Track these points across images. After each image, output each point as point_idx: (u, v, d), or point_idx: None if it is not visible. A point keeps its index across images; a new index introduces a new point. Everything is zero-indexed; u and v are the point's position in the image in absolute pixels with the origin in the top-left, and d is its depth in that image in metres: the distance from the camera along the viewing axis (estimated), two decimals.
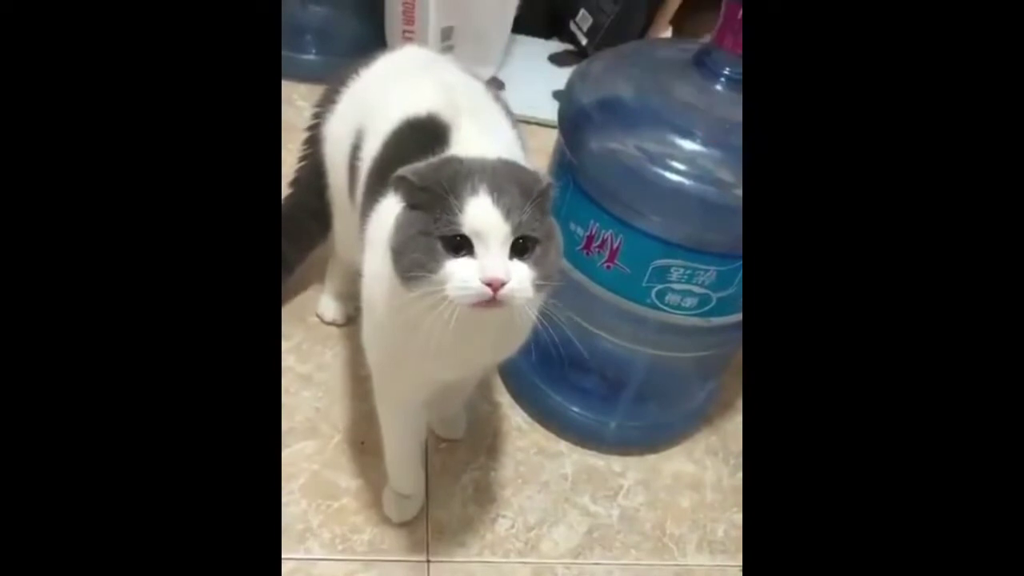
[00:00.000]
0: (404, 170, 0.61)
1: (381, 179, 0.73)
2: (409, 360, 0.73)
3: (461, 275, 0.59)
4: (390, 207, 0.67)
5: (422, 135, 0.73)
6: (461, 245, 0.59)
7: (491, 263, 0.58)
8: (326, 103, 0.94)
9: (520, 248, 0.60)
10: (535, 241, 0.61)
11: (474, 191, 0.59)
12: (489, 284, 0.58)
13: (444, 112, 0.75)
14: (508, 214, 0.59)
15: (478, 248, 0.59)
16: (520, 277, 0.60)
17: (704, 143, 0.84)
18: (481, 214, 0.59)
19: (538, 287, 0.61)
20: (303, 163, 1.03)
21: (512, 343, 0.74)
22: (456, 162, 0.63)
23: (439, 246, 0.59)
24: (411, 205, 0.62)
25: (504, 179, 0.61)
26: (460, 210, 0.59)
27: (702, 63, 0.90)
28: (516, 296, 0.59)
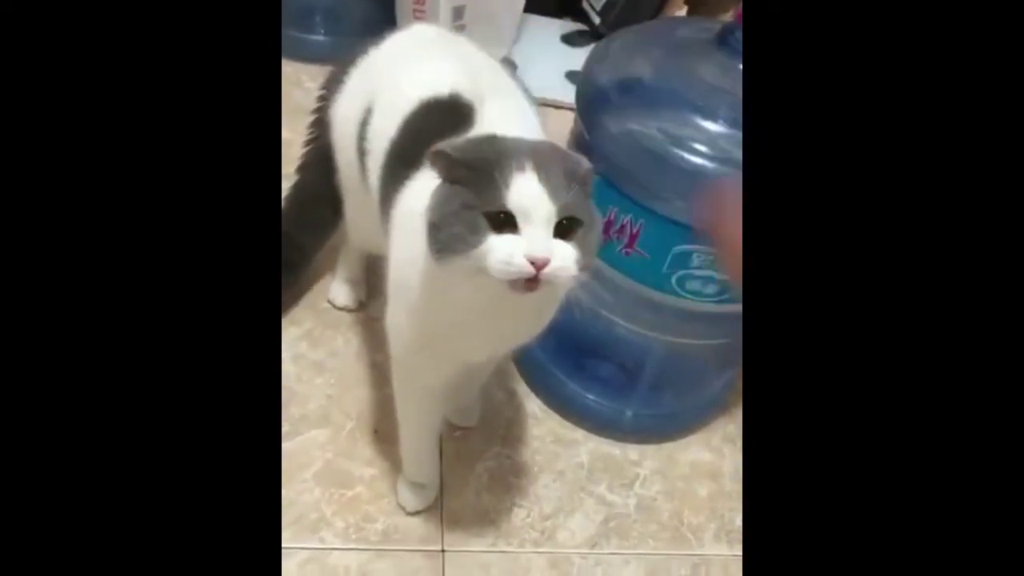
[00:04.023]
0: (443, 144, 0.61)
1: (403, 161, 0.71)
2: (440, 341, 0.72)
3: (505, 250, 0.58)
4: (419, 188, 0.66)
5: (445, 116, 0.72)
6: (505, 222, 0.58)
7: (535, 241, 0.58)
8: (333, 84, 0.91)
9: (563, 229, 0.59)
10: (578, 223, 0.60)
11: (520, 168, 0.59)
12: (532, 262, 0.57)
13: (467, 92, 0.73)
14: (554, 193, 0.58)
15: (522, 226, 0.58)
16: (563, 256, 0.59)
17: (727, 124, 0.81)
18: (528, 191, 0.58)
19: (578, 269, 0.60)
20: (309, 147, 1.01)
21: (542, 322, 0.73)
22: (498, 140, 0.63)
23: (482, 221, 0.59)
24: (450, 180, 0.61)
25: (549, 159, 0.60)
26: (506, 186, 0.58)
27: (725, 42, 0.87)
28: (559, 276, 0.59)
